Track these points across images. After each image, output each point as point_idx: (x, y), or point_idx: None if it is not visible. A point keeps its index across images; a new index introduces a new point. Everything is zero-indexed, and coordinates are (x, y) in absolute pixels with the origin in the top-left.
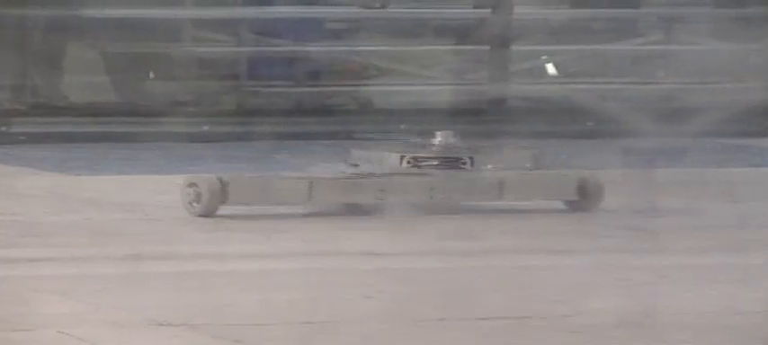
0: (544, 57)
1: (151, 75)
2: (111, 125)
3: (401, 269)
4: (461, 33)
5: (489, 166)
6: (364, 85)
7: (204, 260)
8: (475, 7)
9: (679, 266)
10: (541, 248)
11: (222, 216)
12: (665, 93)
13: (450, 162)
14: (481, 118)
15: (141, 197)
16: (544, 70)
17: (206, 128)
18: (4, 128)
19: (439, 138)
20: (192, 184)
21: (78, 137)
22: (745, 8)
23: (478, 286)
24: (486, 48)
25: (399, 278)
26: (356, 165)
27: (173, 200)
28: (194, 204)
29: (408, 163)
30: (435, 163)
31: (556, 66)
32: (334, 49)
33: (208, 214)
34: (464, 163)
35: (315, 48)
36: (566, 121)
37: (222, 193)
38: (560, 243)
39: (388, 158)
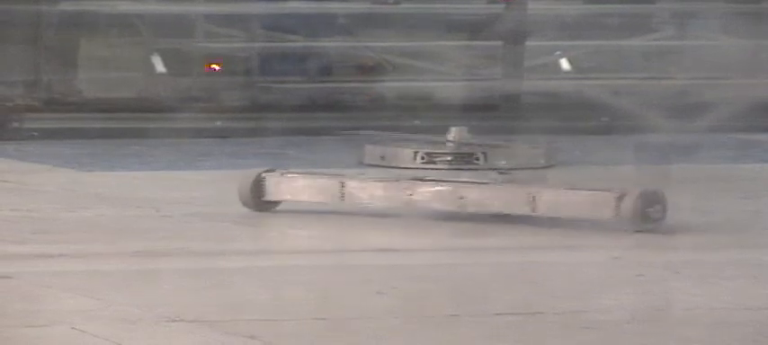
0: (558, 53)
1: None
2: (124, 121)
3: None
4: (475, 29)
5: (503, 162)
6: (377, 81)
7: (216, 256)
8: (488, 3)
9: (692, 262)
10: None
11: (236, 213)
12: (677, 89)
13: (464, 157)
14: (495, 113)
15: (153, 193)
16: (558, 66)
17: (218, 123)
18: (17, 125)
19: (452, 134)
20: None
21: (91, 133)
22: (758, 3)
23: None
24: (500, 43)
25: None
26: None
27: (184, 196)
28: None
29: (422, 158)
30: (449, 158)
31: (569, 61)
32: (346, 45)
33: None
34: (477, 159)
35: (327, 44)
36: (579, 117)
37: None
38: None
39: (402, 154)
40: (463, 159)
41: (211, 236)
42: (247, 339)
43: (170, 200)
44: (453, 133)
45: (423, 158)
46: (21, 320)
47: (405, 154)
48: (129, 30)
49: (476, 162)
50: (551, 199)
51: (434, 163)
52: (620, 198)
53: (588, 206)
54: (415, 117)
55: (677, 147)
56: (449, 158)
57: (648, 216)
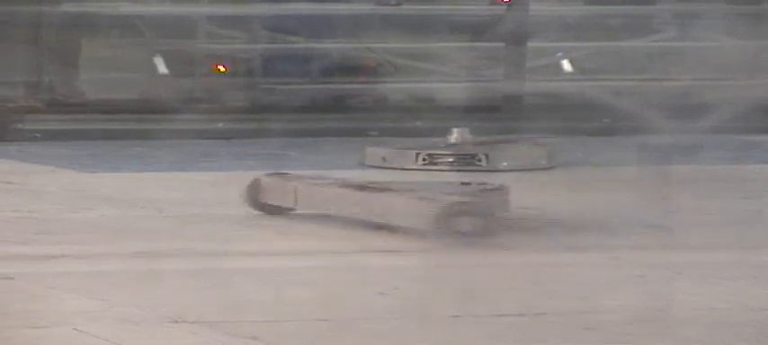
0: (560, 54)
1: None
2: (127, 122)
3: None
4: (477, 30)
5: (504, 163)
6: (379, 82)
7: (217, 257)
8: (490, 4)
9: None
10: None
11: (237, 215)
12: (679, 90)
13: (466, 159)
14: (496, 115)
15: (156, 194)
16: (560, 67)
17: (221, 124)
18: (19, 126)
19: (454, 135)
20: None
21: (93, 134)
22: (760, 4)
23: None
24: (502, 44)
25: None
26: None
27: (186, 197)
28: None
29: (424, 160)
30: (451, 160)
31: (571, 62)
32: (348, 46)
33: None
34: (479, 160)
35: (329, 45)
36: (581, 118)
37: None
38: None
39: (404, 155)
40: (465, 160)
41: (213, 237)
42: (249, 340)
43: (172, 201)
44: (455, 134)
45: (424, 159)
46: (22, 321)
47: (406, 155)
48: (132, 32)
49: (478, 163)
50: (384, 204)
51: (436, 164)
52: (431, 207)
53: (408, 214)
54: (418, 118)
55: (679, 148)
56: (451, 159)
57: (454, 227)
